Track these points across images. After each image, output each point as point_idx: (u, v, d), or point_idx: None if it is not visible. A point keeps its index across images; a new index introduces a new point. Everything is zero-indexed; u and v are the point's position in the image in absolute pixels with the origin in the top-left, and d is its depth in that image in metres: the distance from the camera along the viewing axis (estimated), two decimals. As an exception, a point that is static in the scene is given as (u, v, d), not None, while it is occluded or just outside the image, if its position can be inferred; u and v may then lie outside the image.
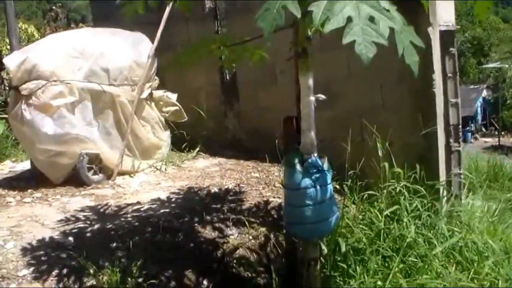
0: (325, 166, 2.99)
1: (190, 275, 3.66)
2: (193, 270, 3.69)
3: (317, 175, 2.91)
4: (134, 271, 3.51)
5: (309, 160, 2.92)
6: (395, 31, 2.22)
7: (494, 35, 39.49)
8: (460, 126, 5.12)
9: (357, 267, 3.48)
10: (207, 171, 5.97)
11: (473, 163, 9.95)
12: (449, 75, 4.99)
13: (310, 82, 2.91)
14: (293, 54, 3.03)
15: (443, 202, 4.46)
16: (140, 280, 3.50)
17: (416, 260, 3.69)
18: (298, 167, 2.93)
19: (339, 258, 3.47)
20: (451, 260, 3.93)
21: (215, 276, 3.71)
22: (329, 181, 2.97)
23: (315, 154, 2.96)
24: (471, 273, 3.79)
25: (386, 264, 3.72)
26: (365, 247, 3.75)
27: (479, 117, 31.69)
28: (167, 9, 6.20)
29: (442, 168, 4.72)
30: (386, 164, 4.23)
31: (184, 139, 6.64)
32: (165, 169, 6.06)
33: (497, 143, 23.19)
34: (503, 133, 26.32)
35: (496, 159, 11.18)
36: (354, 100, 5.22)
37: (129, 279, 3.43)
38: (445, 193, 4.59)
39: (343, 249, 3.30)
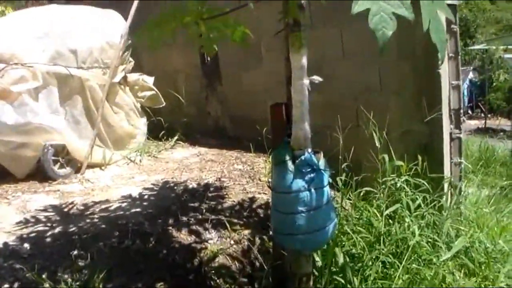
0: (321, 164, 2.47)
1: (162, 288, 3.16)
2: (165, 282, 3.18)
3: (312, 175, 2.40)
4: (97, 284, 3.01)
5: (302, 157, 2.40)
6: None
7: (480, 16, 39.13)
8: (462, 111, 4.67)
9: (355, 278, 3.00)
10: (185, 162, 5.45)
11: (464, 147, 9.54)
12: (451, 54, 4.52)
13: (304, 61, 2.39)
14: (282, 28, 2.52)
15: (449, 198, 4.02)
16: (103, 295, 3.01)
17: (420, 267, 3.24)
18: (289, 165, 2.41)
19: (335, 270, 2.96)
20: (457, 265, 3.48)
21: (191, 289, 3.20)
22: (326, 182, 2.46)
23: (310, 150, 2.45)
24: (479, 278, 3.37)
25: (387, 272, 3.27)
26: (363, 253, 3.28)
27: (466, 100, 31.39)
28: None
29: (446, 159, 4.24)
30: (386, 156, 3.73)
31: (162, 126, 6.15)
32: (140, 161, 5.54)
33: (484, 126, 22.91)
34: (489, 115, 26.05)
35: (488, 143, 10.79)
36: (348, 82, 4.68)
37: (90, 295, 2.94)
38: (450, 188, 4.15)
39: (341, 260, 2.79)
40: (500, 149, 10.81)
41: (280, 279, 2.90)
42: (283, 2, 2.49)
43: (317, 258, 3.04)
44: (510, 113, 19.59)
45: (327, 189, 2.47)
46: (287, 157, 2.42)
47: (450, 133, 4.46)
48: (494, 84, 28.05)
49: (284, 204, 2.45)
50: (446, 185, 4.14)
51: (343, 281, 2.84)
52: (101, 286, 3.04)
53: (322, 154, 2.52)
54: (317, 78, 2.43)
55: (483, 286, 3.33)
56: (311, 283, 2.65)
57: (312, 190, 2.39)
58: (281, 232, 2.53)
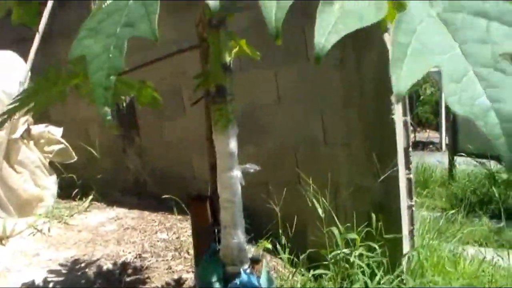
0: (263, 280, 1.79)
1: None
2: None
3: (252, 301, 1.71)
4: None
5: (236, 281, 1.71)
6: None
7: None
8: (410, 149, 4.11)
9: None
10: (101, 231, 4.60)
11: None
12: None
13: (233, 145, 1.73)
14: (199, 97, 1.85)
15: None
16: None
17: None
18: (219, 289, 1.72)
19: None
20: None
21: None
22: (272, 310, 1.78)
23: (246, 266, 1.77)
24: None
25: None
26: None
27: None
28: (43, 20, 4.89)
29: (404, 216, 3.63)
30: (335, 230, 3.08)
31: (75, 183, 5.28)
32: (48, 230, 4.63)
33: (413, 139, 23.12)
34: (418, 129, 26.49)
35: (425, 162, 10.50)
36: (286, 132, 3.96)
37: None
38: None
39: None
40: (437, 168, 10.59)
41: None
42: (200, 58, 1.84)
43: None
44: (438, 126, 19.86)
45: (274, 318, 1.79)
46: (215, 278, 1.73)
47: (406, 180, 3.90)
48: (422, 97, 28.60)
49: None
50: (406, 246, 3.57)
51: None
52: None
53: (264, 265, 1.85)
54: (252, 167, 1.76)
55: None
56: None
57: (254, 323, 1.71)
58: None
